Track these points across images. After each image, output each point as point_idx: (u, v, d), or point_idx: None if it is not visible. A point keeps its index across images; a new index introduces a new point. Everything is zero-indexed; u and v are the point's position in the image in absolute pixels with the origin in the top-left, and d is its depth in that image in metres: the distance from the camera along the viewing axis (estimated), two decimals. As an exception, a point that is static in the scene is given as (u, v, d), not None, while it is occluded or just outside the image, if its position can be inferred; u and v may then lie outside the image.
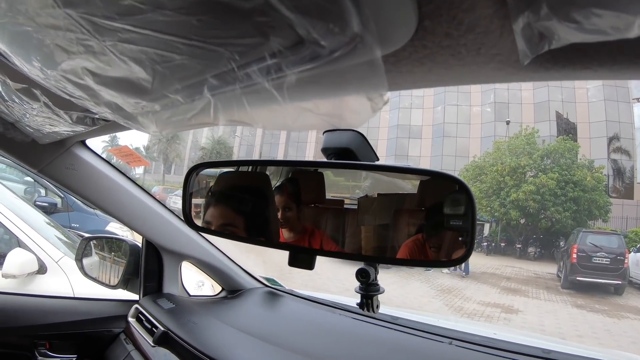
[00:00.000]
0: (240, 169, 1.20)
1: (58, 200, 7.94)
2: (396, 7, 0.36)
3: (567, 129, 27.58)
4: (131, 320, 1.74)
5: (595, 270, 13.34)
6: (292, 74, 0.39)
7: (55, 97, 0.68)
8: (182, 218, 1.84)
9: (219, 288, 2.04)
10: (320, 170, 1.09)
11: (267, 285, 2.01)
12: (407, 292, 10.85)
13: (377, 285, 1.10)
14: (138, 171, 41.62)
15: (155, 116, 0.58)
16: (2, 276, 2.36)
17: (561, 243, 18.86)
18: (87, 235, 2.43)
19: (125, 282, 1.90)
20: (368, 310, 1.10)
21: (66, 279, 2.43)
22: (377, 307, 1.11)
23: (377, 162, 0.89)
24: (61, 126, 0.93)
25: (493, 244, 21.15)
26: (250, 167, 1.17)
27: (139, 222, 1.75)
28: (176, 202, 16.69)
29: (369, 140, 0.96)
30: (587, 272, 13.34)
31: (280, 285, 2.07)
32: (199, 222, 1.08)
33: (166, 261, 1.86)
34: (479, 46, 0.41)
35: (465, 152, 29.95)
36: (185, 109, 0.52)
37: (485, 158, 22.65)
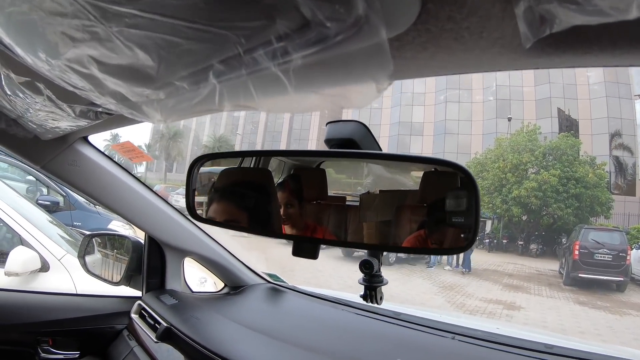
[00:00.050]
0: (242, 165, 1.20)
1: (60, 199, 7.96)
2: None
3: (569, 125, 27.52)
4: (134, 316, 1.74)
5: (597, 267, 13.33)
6: (298, 57, 0.39)
7: (59, 89, 0.68)
8: (185, 214, 1.86)
9: (221, 285, 2.04)
10: (322, 165, 1.09)
11: (269, 282, 2.01)
12: (409, 288, 10.85)
13: (381, 276, 1.10)
14: (140, 170, 41.71)
15: (159, 104, 0.58)
16: (5, 274, 2.37)
17: (563, 240, 18.87)
18: (89, 233, 2.43)
19: (128, 279, 1.89)
20: (371, 302, 1.10)
21: (69, 276, 2.44)
22: (381, 298, 1.10)
23: (380, 152, 0.89)
24: (64, 121, 0.93)
25: (495, 241, 21.14)
26: (254, 158, 1.17)
27: (142, 218, 1.75)
28: (178, 201, 16.68)
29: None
30: (589, 268, 13.33)
31: (283, 281, 2.07)
32: (202, 215, 1.08)
33: (169, 257, 1.86)
34: (482, 29, 0.40)
35: (467, 149, 29.94)
36: (190, 96, 0.52)
37: (487, 155, 22.63)
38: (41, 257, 2.53)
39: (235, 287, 1.96)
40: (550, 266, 16.36)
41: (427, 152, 32.41)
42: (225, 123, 45.80)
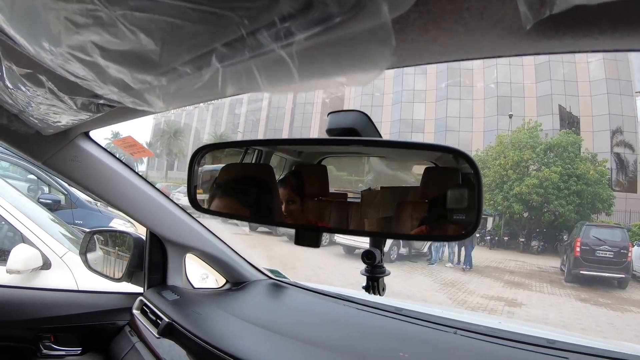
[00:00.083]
0: (244, 160, 1.20)
1: (61, 198, 7.96)
2: None
3: (570, 122, 27.49)
4: (136, 312, 1.74)
5: (598, 263, 13.34)
6: (302, 38, 0.39)
7: (61, 81, 0.68)
8: (186, 211, 1.86)
9: (223, 281, 2.04)
10: (323, 162, 1.09)
11: (271, 277, 2.01)
12: (410, 285, 10.88)
13: (383, 267, 1.10)
14: (141, 168, 41.77)
15: (161, 91, 0.58)
16: (7, 272, 2.37)
17: (564, 237, 18.84)
18: (90, 229, 2.43)
19: (130, 275, 1.89)
20: (374, 293, 1.10)
21: (70, 274, 2.44)
22: (383, 289, 1.10)
23: (382, 138, 0.88)
24: (65, 115, 0.92)
25: (496, 238, 21.15)
26: (255, 153, 1.16)
27: (143, 213, 1.75)
28: (179, 199, 16.70)
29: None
30: (591, 265, 13.34)
31: (285, 277, 2.07)
32: (204, 205, 1.07)
33: (170, 253, 1.86)
34: (482, 10, 0.40)
35: (467, 146, 29.85)
36: (192, 81, 0.52)
37: (488, 152, 22.60)
38: (43, 255, 2.53)
39: (236, 283, 1.96)
40: (552, 263, 16.37)
41: (428, 149, 32.26)
42: (225, 121, 45.84)
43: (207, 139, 42.08)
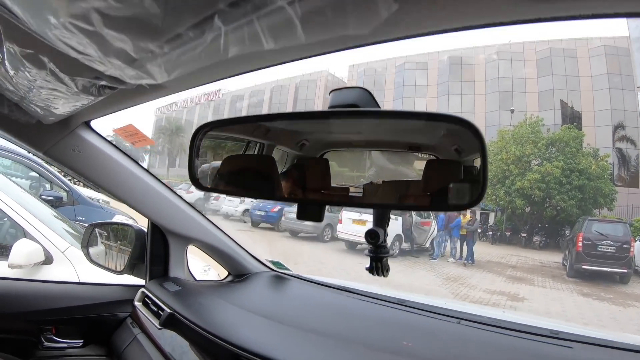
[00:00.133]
0: (247, 152, 1.19)
1: (63, 194, 7.96)
2: None
3: (571, 117, 27.45)
4: (137, 304, 1.73)
5: (600, 258, 13.33)
6: None
7: (62, 60, 0.67)
8: (188, 202, 1.86)
9: (224, 275, 2.03)
10: (325, 156, 1.08)
11: (273, 269, 2.00)
12: (412, 280, 10.89)
13: (387, 247, 1.08)
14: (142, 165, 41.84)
15: (163, 59, 0.57)
16: (9, 266, 2.37)
17: (566, 232, 18.84)
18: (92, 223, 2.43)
19: (131, 268, 1.88)
20: (378, 274, 1.08)
21: (72, 268, 2.44)
22: (387, 270, 1.09)
23: (382, 109, 0.87)
24: (66, 100, 0.92)
25: (498, 233, 21.18)
26: (257, 145, 1.14)
27: (145, 204, 1.74)
28: (182, 196, 16.74)
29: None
30: (593, 260, 13.32)
31: (287, 269, 2.06)
32: (205, 184, 1.05)
33: (172, 245, 1.85)
34: None
35: (469, 141, 29.82)
36: (194, 45, 0.51)
37: (490, 147, 22.53)
38: (45, 250, 2.54)
39: (238, 275, 1.96)
40: (554, 258, 16.38)
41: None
42: (227, 116, 45.80)
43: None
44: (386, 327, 1.45)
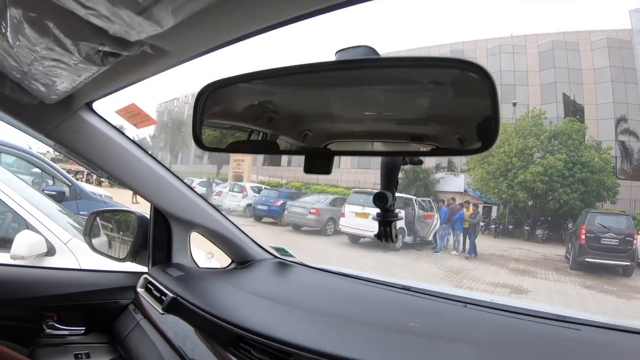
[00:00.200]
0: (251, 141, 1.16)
1: (66, 189, 7.97)
2: None
3: (574, 110, 27.35)
4: (140, 290, 1.71)
5: (603, 251, 13.32)
6: None
7: (67, 22, 0.66)
8: (191, 187, 1.84)
9: (228, 263, 2.01)
10: (329, 146, 1.04)
11: (277, 257, 1.99)
12: (415, 273, 10.90)
13: (394, 211, 1.06)
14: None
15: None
16: (11, 257, 2.35)
17: (569, 225, 18.81)
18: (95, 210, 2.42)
19: (134, 255, 1.87)
20: (387, 240, 1.06)
21: (75, 260, 2.42)
22: (396, 236, 1.07)
23: (387, 56, 0.83)
24: (68, 74, 0.90)
25: (501, 226, 21.16)
26: (261, 134, 1.11)
27: (147, 188, 1.71)
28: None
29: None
30: (596, 253, 13.32)
31: (292, 256, 2.04)
32: (208, 145, 1.02)
33: (175, 231, 1.83)
34: None
35: (471, 135, 29.80)
36: None
37: (492, 141, 22.45)
38: (47, 241, 2.52)
39: (242, 262, 1.94)
40: (557, 251, 16.36)
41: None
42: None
43: (210, 131, 42.07)
44: (393, 310, 1.44)
